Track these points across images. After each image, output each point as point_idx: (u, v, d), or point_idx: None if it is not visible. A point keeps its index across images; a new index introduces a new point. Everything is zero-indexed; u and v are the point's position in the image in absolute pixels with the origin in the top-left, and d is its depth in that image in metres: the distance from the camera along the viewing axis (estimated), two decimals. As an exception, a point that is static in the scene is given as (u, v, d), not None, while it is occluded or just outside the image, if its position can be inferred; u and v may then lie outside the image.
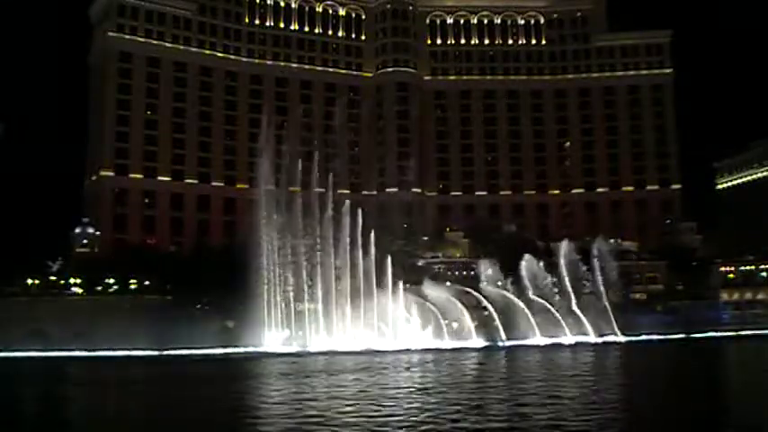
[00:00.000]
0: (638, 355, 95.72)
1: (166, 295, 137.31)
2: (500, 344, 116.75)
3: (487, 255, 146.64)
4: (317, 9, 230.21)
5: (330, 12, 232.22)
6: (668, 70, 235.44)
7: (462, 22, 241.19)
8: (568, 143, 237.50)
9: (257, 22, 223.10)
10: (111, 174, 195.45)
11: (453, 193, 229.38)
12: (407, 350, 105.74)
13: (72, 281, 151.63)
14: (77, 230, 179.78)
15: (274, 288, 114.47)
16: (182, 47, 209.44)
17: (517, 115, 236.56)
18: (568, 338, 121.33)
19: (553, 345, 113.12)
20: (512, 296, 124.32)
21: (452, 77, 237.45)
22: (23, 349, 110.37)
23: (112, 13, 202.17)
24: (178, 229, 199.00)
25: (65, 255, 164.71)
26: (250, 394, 52.32)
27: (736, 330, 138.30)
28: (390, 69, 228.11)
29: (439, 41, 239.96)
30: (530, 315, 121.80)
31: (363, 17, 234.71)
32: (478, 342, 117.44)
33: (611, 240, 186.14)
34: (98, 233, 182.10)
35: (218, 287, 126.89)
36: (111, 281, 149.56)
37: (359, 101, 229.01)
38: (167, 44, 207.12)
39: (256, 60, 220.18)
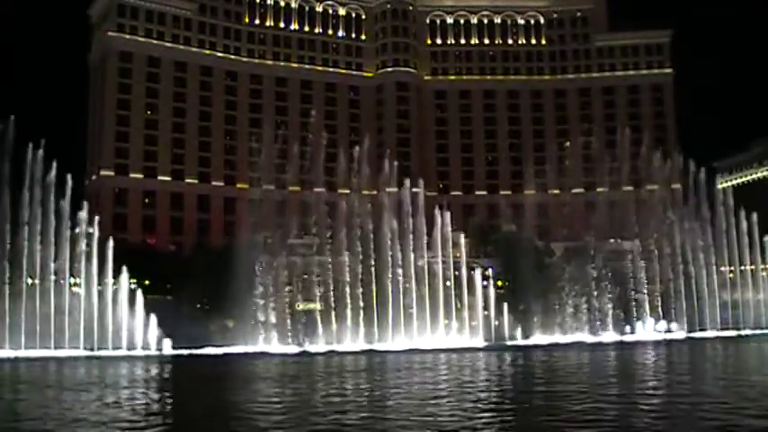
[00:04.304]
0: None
1: (166, 295, 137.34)
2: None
3: (488, 255, 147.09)
4: (316, 9, 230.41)
5: (330, 12, 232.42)
6: (668, 70, 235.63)
7: (462, 22, 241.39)
8: (568, 143, 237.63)
9: (257, 21, 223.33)
10: (111, 174, 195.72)
11: (453, 193, 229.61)
12: None
13: (72, 281, 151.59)
14: (77, 230, 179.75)
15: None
16: (182, 47, 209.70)
17: (517, 115, 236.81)
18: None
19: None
20: None
21: (452, 77, 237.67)
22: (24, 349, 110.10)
23: (112, 12, 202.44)
24: (178, 228, 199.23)
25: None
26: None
27: (737, 330, 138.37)
28: (390, 69, 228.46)
29: (439, 41, 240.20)
30: None
31: (363, 17, 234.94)
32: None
33: (611, 240, 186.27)
34: (98, 233, 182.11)
35: (218, 287, 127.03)
36: (111, 281, 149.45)
37: (359, 101, 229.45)
38: (167, 44, 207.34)
39: (256, 60, 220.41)
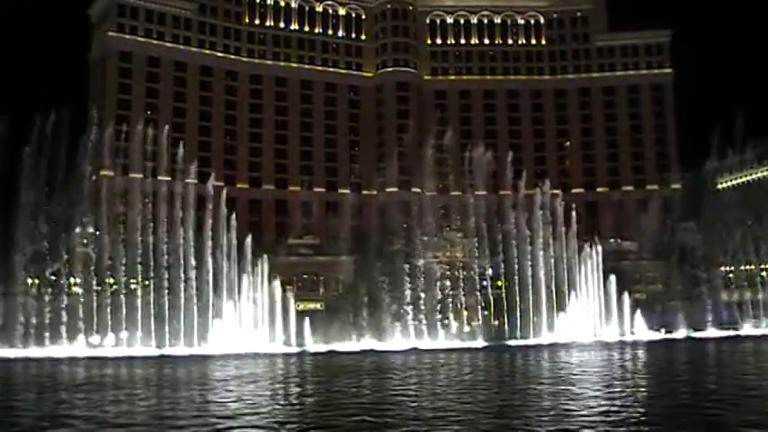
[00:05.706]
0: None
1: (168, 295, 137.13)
2: None
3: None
4: (316, 9, 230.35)
5: (330, 12, 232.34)
6: (668, 70, 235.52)
7: (462, 22, 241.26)
8: (568, 143, 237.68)
9: (257, 21, 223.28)
10: (112, 174, 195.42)
11: (453, 193, 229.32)
12: None
13: (72, 281, 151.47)
14: (77, 230, 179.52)
15: None
16: (182, 47, 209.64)
17: (517, 115, 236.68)
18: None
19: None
20: None
21: (452, 77, 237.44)
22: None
23: (112, 12, 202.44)
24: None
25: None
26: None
27: (736, 330, 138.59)
28: (390, 69, 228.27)
29: (439, 41, 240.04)
30: None
31: (363, 17, 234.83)
32: None
33: (611, 240, 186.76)
34: (98, 233, 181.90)
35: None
36: (112, 281, 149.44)
37: (359, 101, 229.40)
38: (167, 44, 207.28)
39: (256, 60, 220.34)
